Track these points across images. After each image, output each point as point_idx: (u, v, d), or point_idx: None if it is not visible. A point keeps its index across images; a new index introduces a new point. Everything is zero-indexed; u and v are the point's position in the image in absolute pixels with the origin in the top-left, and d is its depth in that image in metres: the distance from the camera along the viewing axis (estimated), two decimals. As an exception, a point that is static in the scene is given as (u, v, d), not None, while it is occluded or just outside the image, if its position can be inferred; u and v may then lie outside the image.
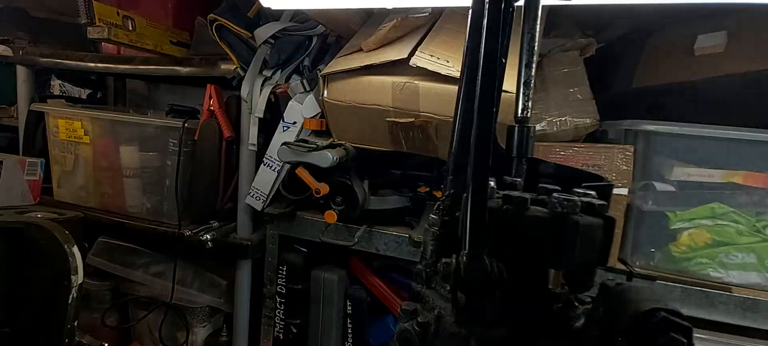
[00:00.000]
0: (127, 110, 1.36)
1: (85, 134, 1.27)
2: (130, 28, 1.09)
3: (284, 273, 1.23)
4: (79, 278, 0.79)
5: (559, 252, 0.36)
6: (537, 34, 0.47)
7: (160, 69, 1.22)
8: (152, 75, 1.25)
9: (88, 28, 1.00)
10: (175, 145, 1.19)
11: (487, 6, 0.41)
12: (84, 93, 1.55)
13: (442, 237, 0.45)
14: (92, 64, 1.31)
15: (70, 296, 0.77)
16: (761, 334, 0.91)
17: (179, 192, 1.21)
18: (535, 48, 0.47)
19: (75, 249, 0.79)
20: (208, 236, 1.15)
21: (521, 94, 0.48)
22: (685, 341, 0.29)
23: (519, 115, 0.49)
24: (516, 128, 0.49)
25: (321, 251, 1.29)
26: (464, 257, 0.34)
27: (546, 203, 0.37)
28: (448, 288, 0.39)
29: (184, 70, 1.19)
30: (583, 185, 0.43)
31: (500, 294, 0.36)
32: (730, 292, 0.92)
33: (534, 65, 0.48)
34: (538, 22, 0.47)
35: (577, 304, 0.41)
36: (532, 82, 0.48)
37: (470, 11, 0.48)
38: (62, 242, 0.77)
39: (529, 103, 0.49)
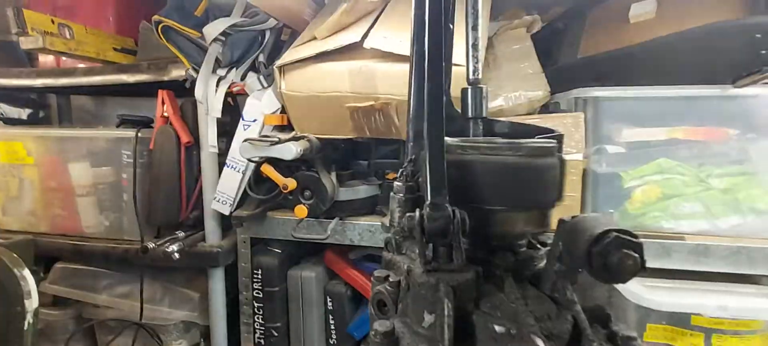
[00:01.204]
0: (74, 127, 1.28)
1: (28, 155, 1.19)
2: (68, 36, 1.03)
3: (259, 277, 1.21)
4: (33, 302, 0.73)
5: (535, 193, 0.37)
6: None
7: (106, 79, 1.16)
8: (97, 86, 1.18)
9: (20, 38, 0.93)
10: (130, 157, 1.14)
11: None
12: (24, 113, 1.45)
13: (408, 202, 0.46)
14: (28, 81, 1.22)
15: (26, 322, 0.72)
16: (715, 276, 0.98)
17: (139, 205, 1.15)
18: (479, 10, 0.49)
19: (26, 272, 0.74)
20: (175, 247, 1.10)
21: (470, 57, 0.50)
22: (636, 255, 0.30)
23: (470, 77, 0.50)
24: (469, 90, 0.50)
25: (296, 249, 1.27)
26: (427, 208, 0.35)
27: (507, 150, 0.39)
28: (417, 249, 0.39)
29: (131, 77, 1.14)
30: (537, 137, 0.45)
31: (466, 240, 0.37)
32: (684, 240, 0.99)
33: (480, 28, 0.50)
34: (480, -14, 0.49)
35: (538, 246, 0.43)
36: (480, 43, 0.50)
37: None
38: (11, 265, 0.72)
39: (480, 65, 0.50)
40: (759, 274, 0.97)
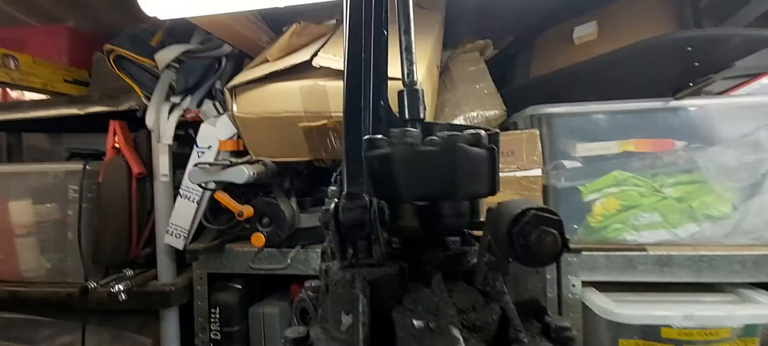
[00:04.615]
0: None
1: (-37, 195, 1.11)
2: (13, 67, 1.00)
3: (217, 316, 1.13)
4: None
5: (449, 183, 0.35)
6: (411, 3, 0.50)
7: (55, 112, 1.11)
8: (49, 121, 1.14)
9: (-44, 68, 0.90)
10: (77, 192, 1.08)
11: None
12: (-35, 152, 1.37)
13: (340, 204, 0.43)
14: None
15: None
16: (681, 287, 0.97)
17: (84, 243, 1.08)
18: (411, 15, 0.50)
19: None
20: (121, 287, 1.02)
21: (405, 59, 0.50)
22: (555, 231, 0.29)
23: (406, 79, 0.50)
24: (405, 92, 0.50)
25: (258, 285, 1.20)
26: (343, 198, 0.33)
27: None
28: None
29: (82, 109, 1.10)
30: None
31: (396, 240, 0.35)
32: (646, 251, 0.99)
33: (412, 32, 0.50)
34: (409, -9, 0.50)
35: (474, 242, 0.41)
36: (413, 47, 0.50)
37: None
38: None
39: (414, 67, 0.50)
40: (722, 282, 0.98)
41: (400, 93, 0.51)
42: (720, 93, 1.06)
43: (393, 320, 0.31)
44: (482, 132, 0.43)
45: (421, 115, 0.51)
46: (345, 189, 0.33)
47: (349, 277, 0.31)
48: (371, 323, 0.30)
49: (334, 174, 0.47)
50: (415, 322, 0.29)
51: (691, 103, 0.98)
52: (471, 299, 0.32)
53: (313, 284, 0.37)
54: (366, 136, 0.37)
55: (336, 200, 0.45)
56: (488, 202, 0.42)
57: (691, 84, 0.94)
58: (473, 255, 0.39)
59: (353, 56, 0.38)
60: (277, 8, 0.83)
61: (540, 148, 1.01)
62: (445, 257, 0.37)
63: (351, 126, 0.35)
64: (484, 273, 0.35)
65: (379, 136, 0.33)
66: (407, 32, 0.50)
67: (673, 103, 0.97)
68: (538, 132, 1.02)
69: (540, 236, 0.29)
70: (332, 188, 0.47)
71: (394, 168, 0.31)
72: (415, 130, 0.36)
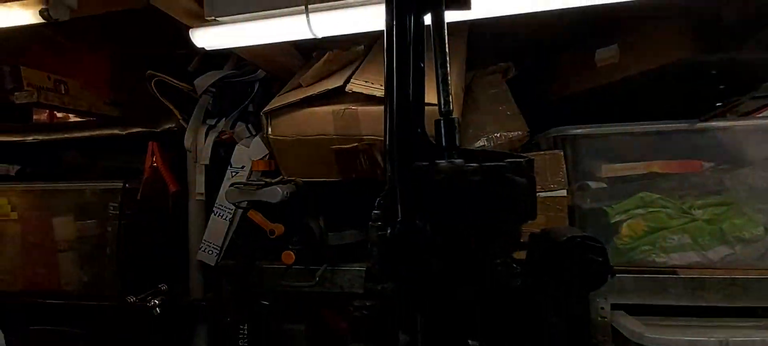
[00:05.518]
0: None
1: (12, 210, 1.18)
2: (63, 92, 1.07)
3: (246, 332, 1.15)
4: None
5: (499, 209, 0.38)
6: (445, 37, 0.53)
7: (97, 134, 1.18)
8: (89, 141, 1.21)
9: (15, 93, 0.97)
10: (116, 209, 1.13)
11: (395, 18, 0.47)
12: (12, 170, 1.45)
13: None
14: (17, 138, 1.24)
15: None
16: (711, 311, 0.95)
17: (122, 258, 1.12)
18: (446, 49, 0.53)
19: None
20: (156, 301, 1.06)
21: (442, 90, 0.53)
22: (600, 259, 0.31)
23: (443, 109, 0.53)
24: (442, 121, 0.53)
25: (289, 303, 1.22)
26: (397, 225, 0.35)
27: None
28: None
29: (123, 131, 1.16)
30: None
31: (437, 260, 0.37)
32: (677, 274, 0.97)
33: (448, 65, 0.53)
34: (445, 28, 0.53)
35: (515, 265, 0.43)
36: (449, 79, 0.53)
37: (385, 26, 0.54)
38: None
39: (450, 98, 0.53)
40: (756, 306, 0.95)
41: (438, 122, 0.54)
42: (747, 114, 1.05)
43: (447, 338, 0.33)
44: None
45: (458, 143, 0.54)
46: (399, 215, 0.36)
47: (404, 297, 0.34)
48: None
49: (377, 199, 0.50)
50: (470, 340, 0.31)
51: (717, 125, 0.98)
52: (518, 319, 0.34)
53: (367, 304, 0.39)
54: (425, 163, 0.40)
55: (379, 223, 0.48)
56: (529, 227, 0.44)
57: (718, 104, 0.94)
58: (516, 277, 0.41)
59: (398, 89, 0.41)
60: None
61: (564, 169, 1.02)
62: (490, 278, 0.39)
63: (401, 155, 0.37)
64: (528, 295, 0.37)
65: (442, 163, 0.35)
66: (443, 65, 0.54)
67: (700, 124, 0.97)
68: (561, 153, 1.02)
69: (586, 263, 0.31)
70: (375, 211, 0.49)
71: (449, 197, 0.34)
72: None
